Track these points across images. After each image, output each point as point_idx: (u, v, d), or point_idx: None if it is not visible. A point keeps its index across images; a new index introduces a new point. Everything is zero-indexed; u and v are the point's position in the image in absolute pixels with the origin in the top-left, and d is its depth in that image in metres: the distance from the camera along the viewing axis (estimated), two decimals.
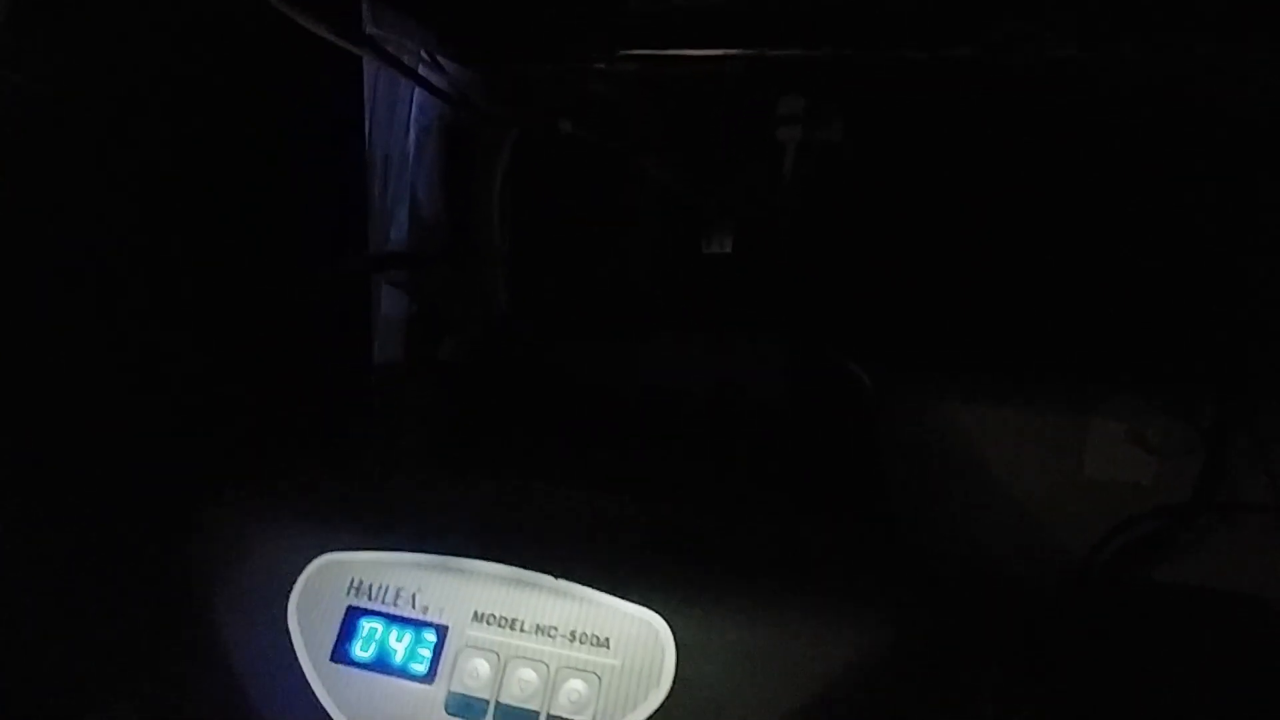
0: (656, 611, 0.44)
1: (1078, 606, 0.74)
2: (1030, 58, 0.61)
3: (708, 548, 0.49)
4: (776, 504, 0.56)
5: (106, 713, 0.51)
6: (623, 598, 0.44)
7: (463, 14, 0.76)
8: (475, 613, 0.45)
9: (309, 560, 0.47)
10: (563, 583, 0.45)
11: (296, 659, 0.45)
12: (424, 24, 0.75)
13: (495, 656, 0.44)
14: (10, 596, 0.52)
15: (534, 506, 0.51)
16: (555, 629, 0.44)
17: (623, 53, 0.77)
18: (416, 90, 0.79)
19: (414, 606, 0.46)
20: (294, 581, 0.47)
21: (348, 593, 0.46)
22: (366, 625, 0.45)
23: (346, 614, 0.46)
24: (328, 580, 0.47)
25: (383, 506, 0.50)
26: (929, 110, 0.75)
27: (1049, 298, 0.78)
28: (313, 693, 0.44)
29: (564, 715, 0.42)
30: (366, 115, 0.79)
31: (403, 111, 0.81)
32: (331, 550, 0.47)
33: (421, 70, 0.75)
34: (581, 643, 0.44)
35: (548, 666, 0.43)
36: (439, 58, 0.77)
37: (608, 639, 0.44)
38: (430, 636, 0.45)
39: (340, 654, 0.45)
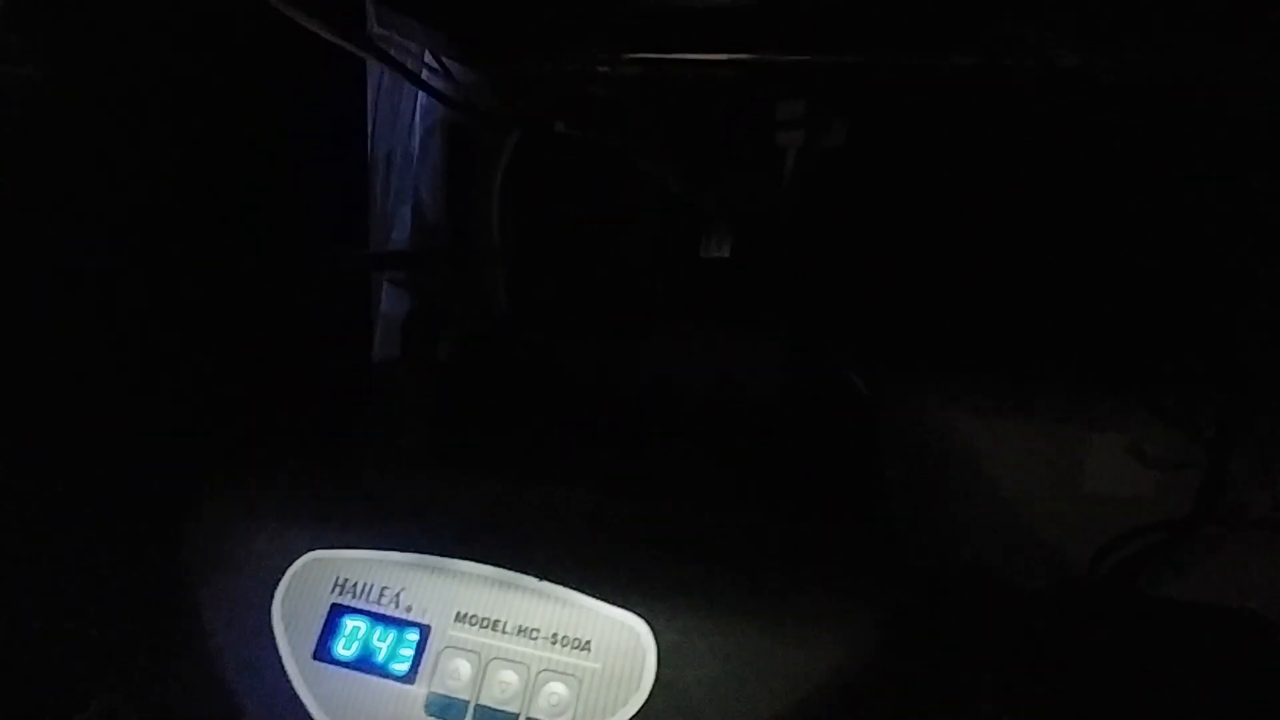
0: (639, 615, 0.44)
1: (1075, 618, 0.74)
2: (1029, 62, 0.61)
3: (695, 550, 0.48)
4: (770, 505, 0.55)
5: (94, 709, 0.52)
6: (605, 600, 0.44)
7: (468, 16, 0.76)
8: (458, 613, 0.45)
9: (295, 557, 0.47)
10: (546, 584, 0.45)
11: (279, 657, 0.45)
12: (429, 25, 0.75)
13: (476, 657, 0.44)
14: None
15: (521, 507, 0.51)
16: (537, 631, 0.44)
17: (626, 55, 0.77)
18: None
19: (398, 606, 0.46)
20: (279, 579, 0.47)
21: (332, 591, 0.46)
22: (350, 624, 0.45)
23: (330, 612, 0.46)
24: (313, 578, 0.47)
25: (370, 505, 0.50)
26: (929, 113, 0.74)
27: (1050, 308, 0.77)
28: (294, 691, 0.44)
29: (543, 718, 0.42)
30: (370, 114, 0.80)
31: (406, 111, 0.81)
32: (318, 548, 0.47)
33: (425, 71, 0.75)
34: (563, 645, 0.44)
35: (528, 668, 0.43)
36: (443, 59, 0.77)
37: (589, 642, 0.43)
38: (412, 636, 0.45)
39: (323, 652, 0.45)
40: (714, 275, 0.80)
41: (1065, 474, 0.76)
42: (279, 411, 0.68)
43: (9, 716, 0.53)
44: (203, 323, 0.66)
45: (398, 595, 0.46)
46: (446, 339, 0.76)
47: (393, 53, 0.70)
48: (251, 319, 0.70)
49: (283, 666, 0.45)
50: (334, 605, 0.46)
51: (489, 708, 0.43)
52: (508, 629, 0.44)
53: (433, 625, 0.45)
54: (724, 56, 0.73)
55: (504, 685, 0.43)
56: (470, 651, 0.44)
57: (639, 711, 0.42)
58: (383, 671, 0.44)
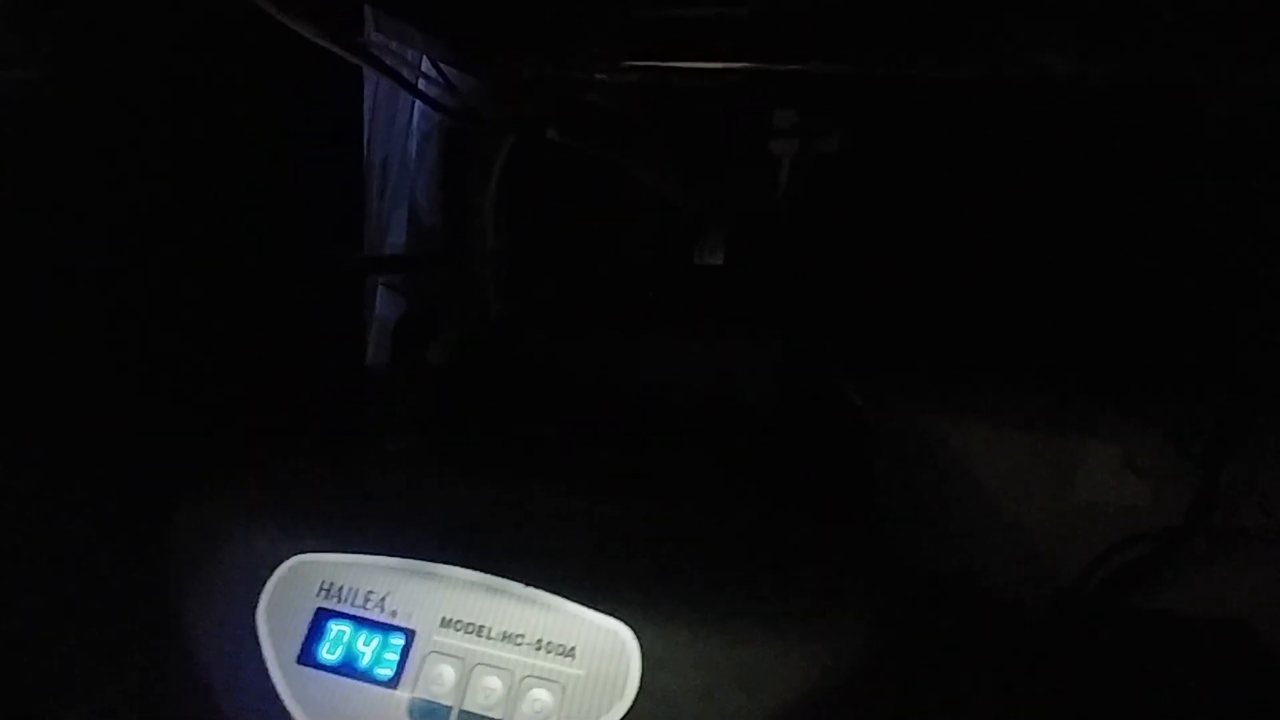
0: (624, 622, 0.43)
1: (1066, 628, 0.74)
2: (1023, 70, 0.61)
3: (683, 557, 0.48)
4: (762, 513, 0.55)
5: (80, 710, 0.52)
6: (591, 607, 0.44)
7: (467, 22, 0.76)
8: (443, 618, 0.45)
9: (281, 560, 0.47)
10: (531, 590, 0.45)
11: (264, 660, 0.45)
12: (428, 31, 0.75)
13: (461, 663, 0.44)
14: None
15: (510, 512, 0.51)
16: (522, 637, 0.44)
17: (625, 63, 0.77)
18: None
19: (383, 610, 0.45)
20: (265, 582, 0.47)
21: (318, 594, 0.46)
22: (335, 628, 0.45)
23: (316, 616, 0.46)
24: (299, 581, 0.47)
25: (359, 508, 0.50)
26: (924, 121, 0.75)
27: (1045, 318, 0.77)
28: (278, 695, 0.44)
29: None
30: (366, 117, 0.80)
31: (403, 115, 0.82)
32: (305, 551, 0.47)
33: (422, 74, 0.76)
34: (547, 651, 0.43)
35: (512, 674, 0.43)
36: (441, 65, 0.77)
37: (573, 648, 0.43)
38: (397, 641, 0.45)
39: (307, 656, 0.45)
40: (708, 281, 0.80)
41: (1058, 484, 0.76)
42: (271, 414, 0.68)
43: (9, 716, 0.53)
44: (197, 325, 0.66)
45: (383, 600, 0.46)
46: (439, 342, 0.76)
47: (389, 60, 0.70)
48: (246, 321, 0.70)
49: (266, 670, 0.45)
50: (319, 609, 0.46)
51: (473, 713, 0.43)
52: (493, 634, 0.44)
53: (418, 630, 0.45)
54: (721, 65, 0.73)
55: (488, 691, 0.43)
56: (455, 657, 0.44)
57: (623, 718, 0.42)
58: (367, 676, 0.44)
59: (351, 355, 0.82)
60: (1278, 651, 0.68)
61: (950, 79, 0.66)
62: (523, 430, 0.65)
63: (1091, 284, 0.76)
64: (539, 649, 0.43)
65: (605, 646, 0.43)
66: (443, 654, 0.44)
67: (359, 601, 0.46)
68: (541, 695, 0.43)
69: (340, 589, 0.46)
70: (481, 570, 0.46)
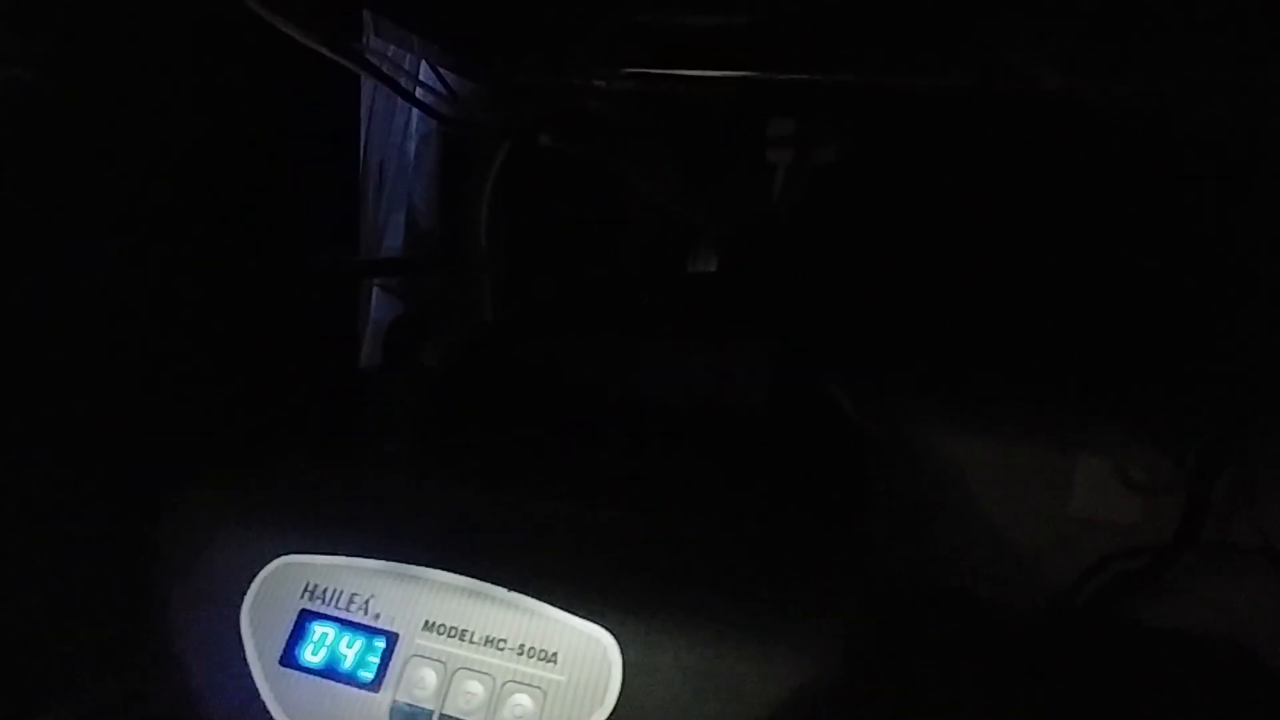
0: (606, 628, 0.43)
1: (1058, 641, 0.74)
2: (1016, 83, 0.61)
3: (667, 564, 0.48)
4: (750, 521, 0.55)
5: (64, 710, 0.52)
6: (573, 612, 0.44)
7: (465, 27, 0.77)
8: (426, 622, 0.45)
9: (266, 562, 0.47)
10: (515, 595, 0.45)
11: (246, 661, 0.45)
12: (428, 37, 0.76)
13: (443, 667, 0.44)
14: None
15: (496, 516, 0.51)
16: (504, 641, 0.44)
17: (623, 70, 0.77)
18: None
19: (366, 613, 0.45)
20: (249, 583, 0.47)
21: (302, 596, 0.46)
22: (318, 630, 0.45)
23: (299, 618, 0.46)
24: (283, 583, 0.47)
25: (344, 510, 0.50)
26: (919, 132, 0.75)
27: (1037, 331, 0.77)
28: (259, 697, 0.44)
29: None
30: (363, 121, 0.80)
31: (400, 119, 0.82)
32: (290, 552, 0.47)
33: (418, 86, 0.76)
34: (529, 656, 0.43)
35: (494, 679, 0.43)
36: (440, 70, 0.78)
37: (555, 654, 0.43)
38: (380, 644, 0.45)
39: (290, 658, 0.45)
40: (702, 288, 0.80)
41: (1050, 497, 0.76)
42: (266, 415, 0.69)
43: (8, 715, 0.53)
44: (192, 326, 0.67)
45: (367, 602, 0.46)
46: (432, 346, 0.76)
47: (386, 67, 0.70)
48: (242, 323, 0.70)
49: (249, 671, 0.45)
50: (303, 611, 0.46)
51: (454, 718, 0.43)
52: (475, 639, 0.44)
53: (400, 633, 0.45)
54: (718, 74, 0.73)
55: (469, 696, 0.43)
56: (437, 661, 0.44)
57: None
58: (349, 679, 0.44)
59: (346, 358, 0.83)
60: (1270, 664, 0.68)
61: (946, 88, 0.66)
62: (513, 435, 0.65)
63: (1085, 296, 0.76)
64: (521, 654, 0.43)
65: (587, 652, 0.43)
66: (425, 658, 0.44)
67: (343, 604, 0.46)
68: (523, 700, 0.42)
69: (324, 591, 0.46)
70: (465, 574, 0.46)
